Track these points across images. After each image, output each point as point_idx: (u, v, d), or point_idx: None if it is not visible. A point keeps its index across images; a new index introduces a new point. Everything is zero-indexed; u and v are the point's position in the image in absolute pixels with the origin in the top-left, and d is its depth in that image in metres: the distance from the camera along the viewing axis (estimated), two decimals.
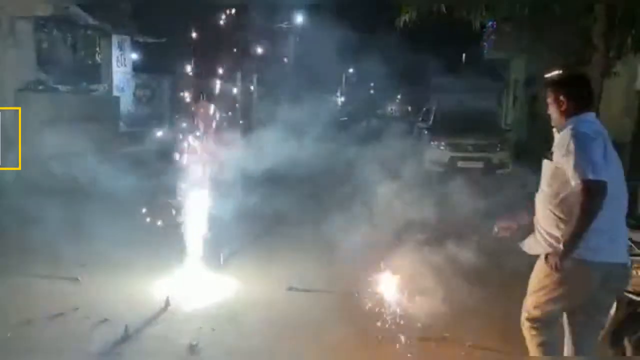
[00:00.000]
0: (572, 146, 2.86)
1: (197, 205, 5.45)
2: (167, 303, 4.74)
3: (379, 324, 4.58)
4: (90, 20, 13.44)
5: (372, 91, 35.51)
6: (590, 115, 3.08)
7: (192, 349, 4.03)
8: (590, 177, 2.77)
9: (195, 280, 5.28)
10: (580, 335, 3.14)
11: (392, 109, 35.22)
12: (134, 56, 16.18)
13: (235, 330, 4.40)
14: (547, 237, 3.04)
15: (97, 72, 14.91)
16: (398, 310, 4.87)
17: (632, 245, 4.24)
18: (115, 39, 15.14)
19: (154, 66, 16.00)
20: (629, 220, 4.41)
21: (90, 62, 15.02)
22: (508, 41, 14.28)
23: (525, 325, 3.19)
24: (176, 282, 5.22)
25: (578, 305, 3.07)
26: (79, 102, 12.49)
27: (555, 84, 3.24)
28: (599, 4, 6.67)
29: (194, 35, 5.62)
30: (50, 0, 11.75)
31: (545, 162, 3.08)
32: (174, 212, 5.46)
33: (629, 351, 3.75)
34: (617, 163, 3.03)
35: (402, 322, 4.62)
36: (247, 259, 6.13)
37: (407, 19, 7.55)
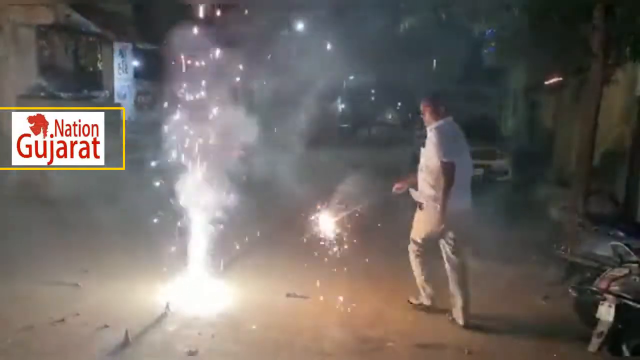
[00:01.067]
0: (434, 139, 4.66)
1: (198, 211, 5.47)
2: (167, 309, 4.75)
3: (377, 330, 4.59)
4: (92, 28, 13.50)
5: (372, 98, 35.51)
6: (448, 119, 4.82)
7: (192, 354, 4.05)
8: (444, 159, 4.55)
9: (195, 286, 5.29)
10: (448, 254, 4.75)
11: (392, 116, 35.19)
12: (135, 63, 16.22)
13: (235, 336, 4.41)
14: (424, 194, 4.76)
15: (98, 79, 14.95)
16: (396, 316, 4.89)
17: (629, 251, 4.27)
18: (116, 46, 15.19)
19: (155, 73, 16.04)
20: (626, 227, 4.60)
21: (91, 69, 15.06)
22: (508, 49, 14.32)
23: (413, 249, 4.94)
24: (176, 288, 5.22)
25: (446, 233, 4.68)
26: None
27: (431, 100, 4.87)
28: (598, 13, 6.69)
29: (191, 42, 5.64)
30: (52, 7, 11.81)
31: (422, 149, 4.83)
32: (174, 218, 5.47)
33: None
34: (464, 150, 4.80)
35: (400, 328, 4.64)
36: (247, 265, 6.14)
37: (407, 26, 7.57)
